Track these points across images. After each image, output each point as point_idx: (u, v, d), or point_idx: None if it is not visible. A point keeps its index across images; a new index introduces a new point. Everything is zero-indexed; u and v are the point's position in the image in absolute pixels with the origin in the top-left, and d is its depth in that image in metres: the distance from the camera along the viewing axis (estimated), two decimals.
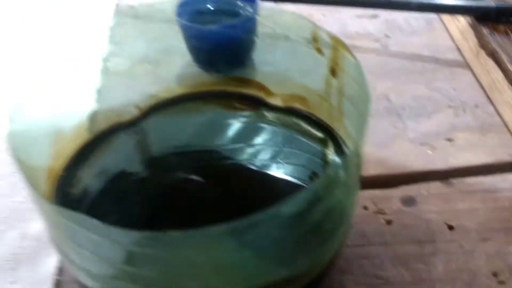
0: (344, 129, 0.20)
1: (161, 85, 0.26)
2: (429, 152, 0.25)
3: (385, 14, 0.36)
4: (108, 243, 0.14)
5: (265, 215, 0.13)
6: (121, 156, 0.22)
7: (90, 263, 0.15)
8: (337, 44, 0.19)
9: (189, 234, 0.13)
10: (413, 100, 0.29)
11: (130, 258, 0.14)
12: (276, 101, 0.23)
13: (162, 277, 0.14)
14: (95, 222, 0.13)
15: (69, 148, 0.21)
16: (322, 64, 0.21)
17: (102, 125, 0.22)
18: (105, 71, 0.33)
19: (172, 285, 0.14)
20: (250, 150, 0.22)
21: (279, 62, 0.29)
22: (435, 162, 0.25)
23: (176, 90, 0.25)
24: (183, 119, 0.23)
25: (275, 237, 0.15)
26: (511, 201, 0.23)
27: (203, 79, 0.25)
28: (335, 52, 0.19)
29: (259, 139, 0.22)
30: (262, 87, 0.23)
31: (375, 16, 0.36)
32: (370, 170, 0.24)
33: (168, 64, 0.33)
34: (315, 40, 0.20)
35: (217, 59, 0.27)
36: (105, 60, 0.34)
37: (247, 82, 0.23)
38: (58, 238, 0.16)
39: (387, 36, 0.34)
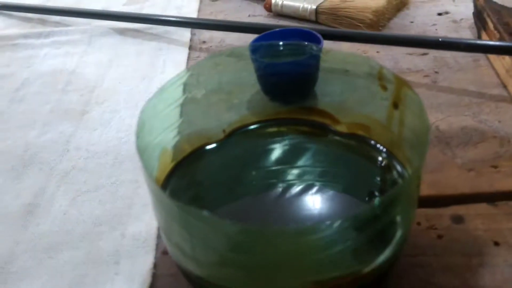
0: (403, 154, 0.24)
1: (237, 113, 0.30)
2: (476, 177, 0.28)
3: (434, 52, 0.39)
4: (215, 232, 0.18)
5: (346, 219, 0.17)
6: (210, 170, 0.26)
7: (199, 251, 0.19)
8: (400, 82, 0.22)
9: (283, 230, 0.17)
10: (460, 131, 0.32)
11: (234, 247, 0.18)
12: (341, 128, 0.26)
13: (259, 266, 0.18)
14: (206, 213, 0.17)
15: (170, 163, 0.25)
16: (379, 95, 0.24)
17: (194, 145, 0.26)
18: (186, 100, 0.38)
19: (269, 272, 0.18)
20: (318, 170, 0.26)
21: (339, 93, 0.33)
22: (482, 186, 0.28)
23: (251, 118, 0.29)
24: (261, 142, 0.27)
25: (350, 238, 0.18)
26: None
27: (274, 109, 0.29)
28: (398, 88, 0.22)
29: (326, 161, 0.26)
30: (329, 116, 0.27)
31: (425, 54, 0.39)
32: (423, 191, 0.27)
33: (240, 93, 0.37)
34: (380, 78, 0.24)
35: (285, 90, 0.31)
36: (185, 90, 0.39)
37: (316, 111, 0.27)
38: (170, 230, 0.20)
39: (436, 72, 0.37)
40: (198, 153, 0.26)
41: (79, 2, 0.54)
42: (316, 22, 0.45)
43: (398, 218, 0.20)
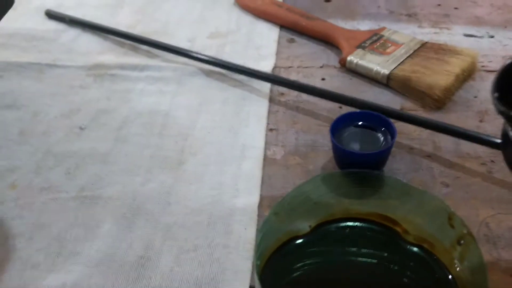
0: (461, 275, 0.29)
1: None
2: None
3: None
4: None
5: None
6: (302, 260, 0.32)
7: None
8: (469, 234, 0.27)
9: None
10: (508, 231, 0.36)
11: None
12: (409, 238, 0.32)
13: None
14: None
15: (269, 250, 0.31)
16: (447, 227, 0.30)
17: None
18: (265, 159, 0.43)
19: None
20: (387, 268, 0.31)
21: (403, 173, 0.38)
22: None
23: (334, 215, 0.34)
24: (340, 236, 0.33)
25: None
26: None
27: (354, 207, 0.34)
28: (466, 242, 0.27)
29: (395, 261, 0.32)
30: (402, 227, 0.32)
31: None
32: None
33: (314, 159, 0.43)
34: (450, 218, 0.29)
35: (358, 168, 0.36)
36: (265, 148, 0.44)
37: (392, 220, 0.32)
38: None
39: (492, 161, 0.41)
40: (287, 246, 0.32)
41: (166, 27, 0.58)
42: (386, 86, 0.49)
43: None
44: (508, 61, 0.29)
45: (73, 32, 0.58)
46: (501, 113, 0.28)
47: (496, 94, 0.28)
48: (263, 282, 0.28)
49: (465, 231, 0.28)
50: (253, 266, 0.29)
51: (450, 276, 0.29)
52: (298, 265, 0.31)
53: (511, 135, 0.31)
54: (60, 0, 0.64)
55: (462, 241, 0.28)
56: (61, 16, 0.59)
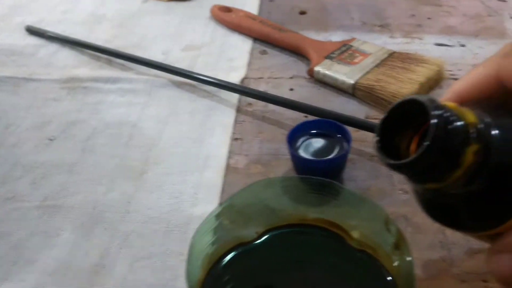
0: (399, 280, 0.29)
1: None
2: None
3: None
4: None
5: None
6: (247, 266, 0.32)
7: None
8: (401, 237, 0.27)
9: None
10: (463, 239, 0.36)
11: None
12: (354, 244, 0.32)
13: None
14: None
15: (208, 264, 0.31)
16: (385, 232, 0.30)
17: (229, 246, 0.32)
18: (228, 168, 0.44)
19: None
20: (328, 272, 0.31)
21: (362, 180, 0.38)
22: None
23: (283, 221, 0.34)
24: (289, 243, 0.33)
25: None
26: None
27: (301, 215, 0.34)
28: (399, 238, 0.28)
29: (335, 266, 0.32)
30: (345, 231, 0.32)
31: None
32: None
33: (276, 167, 0.43)
34: (386, 223, 0.29)
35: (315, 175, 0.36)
36: (229, 157, 0.45)
37: (335, 224, 0.32)
38: None
39: None
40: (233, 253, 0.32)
41: (142, 41, 0.60)
42: (353, 95, 0.49)
43: None
44: (394, 103, 0.24)
45: (52, 47, 0.60)
46: (380, 159, 0.24)
47: (376, 138, 0.24)
48: None
49: (400, 237, 0.28)
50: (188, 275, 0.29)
51: (390, 278, 0.29)
52: (241, 273, 0.31)
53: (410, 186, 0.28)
54: (41, 16, 0.66)
55: (399, 247, 0.28)
56: (41, 31, 0.61)
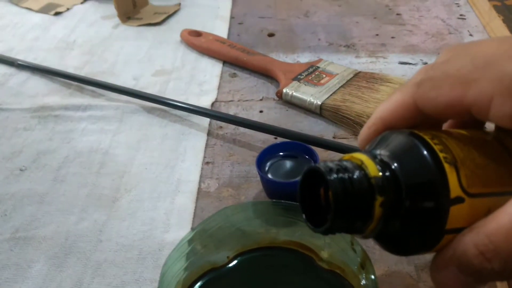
0: None
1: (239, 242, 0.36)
2: None
3: None
4: None
5: None
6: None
7: None
8: (365, 257, 0.28)
9: None
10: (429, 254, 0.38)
11: None
12: (324, 264, 0.33)
13: None
14: None
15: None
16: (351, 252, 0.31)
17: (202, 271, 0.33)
18: (199, 192, 0.44)
19: None
20: None
21: None
22: None
23: (254, 244, 0.35)
24: (259, 265, 0.34)
25: None
26: None
27: (270, 237, 0.35)
28: (364, 258, 0.29)
29: (308, 286, 0.32)
30: (314, 252, 0.33)
31: None
32: None
33: (247, 190, 0.43)
34: (351, 243, 0.30)
35: (283, 198, 0.37)
36: (200, 181, 0.45)
37: (305, 246, 0.33)
38: None
39: None
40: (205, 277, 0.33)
41: (113, 67, 0.60)
42: (320, 115, 0.50)
43: None
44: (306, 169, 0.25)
45: (22, 76, 0.60)
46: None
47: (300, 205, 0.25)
48: None
49: (364, 256, 0.29)
50: None
51: None
52: None
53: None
54: (11, 44, 0.66)
55: (364, 266, 0.29)
56: (11, 60, 0.61)
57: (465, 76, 0.23)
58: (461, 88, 0.23)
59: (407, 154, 0.24)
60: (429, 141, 0.23)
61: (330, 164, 0.23)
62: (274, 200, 0.36)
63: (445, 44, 0.61)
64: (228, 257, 0.34)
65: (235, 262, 0.34)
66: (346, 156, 0.25)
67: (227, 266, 0.33)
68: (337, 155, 0.45)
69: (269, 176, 0.40)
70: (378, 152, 0.24)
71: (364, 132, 0.28)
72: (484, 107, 0.23)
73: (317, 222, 0.24)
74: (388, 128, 0.27)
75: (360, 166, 0.23)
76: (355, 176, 0.23)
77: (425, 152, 0.23)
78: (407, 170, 0.23)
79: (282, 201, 0.35)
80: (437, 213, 0.22)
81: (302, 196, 0.25)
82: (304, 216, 0.25)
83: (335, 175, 0.23)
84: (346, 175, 0.23)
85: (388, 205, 0.23)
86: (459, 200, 0.22)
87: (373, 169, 0.23)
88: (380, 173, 0.23)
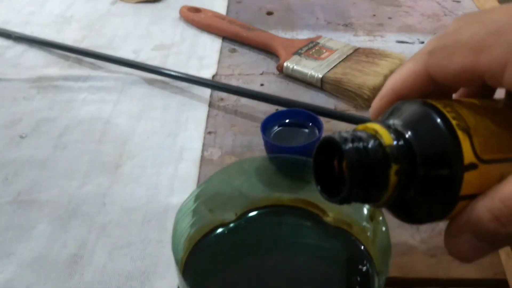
0: (374, 252, 0.30)
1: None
2: (436, 263, 0.35)
3: None
4: None
5: None
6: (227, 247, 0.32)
7: None
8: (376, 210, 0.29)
9: None
10: None
11: None
12: (329, 220, 0.33)
13: None
14: None
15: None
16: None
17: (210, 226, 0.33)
18: (202, 160, 0.44)
19: None
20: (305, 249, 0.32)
21: None
22: (439, 273, 0.34)
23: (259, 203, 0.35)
24: (267, 223, 0.34)
25: None
26: None
27: (277, 196, 0.35)
28: (376, 218, 0.29)
29: (312, 243, 0.33)
30: (321, 209, 0.33)
31: None
32: (392, 272, 0.34)
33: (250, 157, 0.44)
34: None
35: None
36: (203, 150, 0.45)
37: (311, 203, 0.34)
38: None
39: None
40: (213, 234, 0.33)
41: (112, 42, 0.60)
42: (321, 89, 0.51)
43: None
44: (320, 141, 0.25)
45: (19, 48, 0.59)
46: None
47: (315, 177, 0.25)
48: (185, 276, 0.29)
49: (375, 209, 0.29)
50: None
51: (362, 247, 0.31)
52: (222, 255, 0.32)
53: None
54: (7, 17, 0.65)
55: (373, 218, 0.30)
56: (7, 32, 0.60)
57: (478, 43, 0.23)
58: (474, 55, 0.23)
59: (420, 123, 0.24)
60: (442, 109, 0.24)
61: (345, 134, 0.23)
62: (282, 155, 0.36)
63: (441, 25, 0.62)
64: (236, 214, 0.34)
65: (242, 219, 0.34)
66: (360, 126, 0.25)
67: (235, 222, 0.34)
68: (340, 125, 0.46)
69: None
70: (391, 122, 0.24)
71: (376, 103, 0.28)
72: (498, 73, 0.23)
73: (332, 192, 0.24)
74: (400, 98, 0.26)
75: (375, 136, 0.23)
76: (370, 145, 0.23)
77: (438, 120, 0.23)
78: (421, 138, 0.23)
79: (294, 156, 0.35)
80: (451, 179, 0.22)
81: (316, 166, 0.25)
82: (318, 187, 0.25)
83: (350, 145, 0.23)
84: (361, 144, 0.23)
85: (403, 173, 0.23)
86: (472, 166, 0.22)
87: (387, 138, 0.23)
88: (395, 142, 0.23)
